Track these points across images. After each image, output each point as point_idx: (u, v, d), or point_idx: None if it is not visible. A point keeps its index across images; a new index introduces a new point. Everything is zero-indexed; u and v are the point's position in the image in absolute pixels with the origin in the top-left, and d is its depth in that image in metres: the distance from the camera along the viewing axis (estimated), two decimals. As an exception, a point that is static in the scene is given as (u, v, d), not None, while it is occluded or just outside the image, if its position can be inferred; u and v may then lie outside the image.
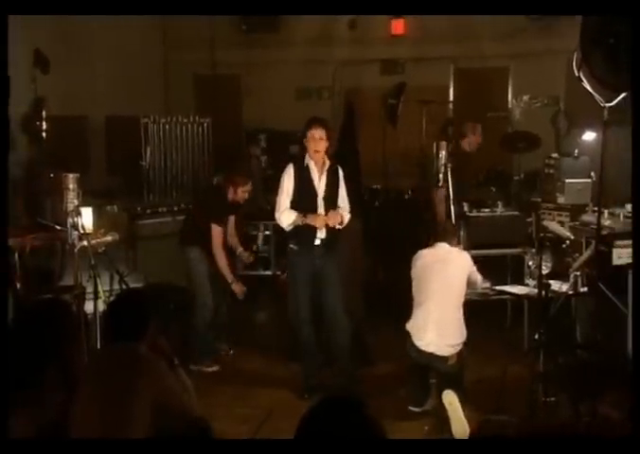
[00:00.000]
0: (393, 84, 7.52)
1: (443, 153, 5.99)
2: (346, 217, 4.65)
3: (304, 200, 4.57)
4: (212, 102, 9.18)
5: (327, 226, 4.55)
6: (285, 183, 4.61)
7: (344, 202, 4.65)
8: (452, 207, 5.36)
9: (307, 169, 4.59)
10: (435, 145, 6.76)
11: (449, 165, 5.40)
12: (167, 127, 7.41)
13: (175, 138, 7.50)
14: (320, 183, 4.58)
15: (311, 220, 4.53)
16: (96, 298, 4.69)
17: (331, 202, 4.59)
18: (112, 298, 4.06)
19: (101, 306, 4.64)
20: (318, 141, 4.48)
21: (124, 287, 4.96)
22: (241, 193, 5.27)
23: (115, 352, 2.96)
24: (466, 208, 5.71)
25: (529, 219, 5.66)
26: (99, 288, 4.68)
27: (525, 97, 8.16)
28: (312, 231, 4.57)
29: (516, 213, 5.69)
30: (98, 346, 4.38)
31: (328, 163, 4.59)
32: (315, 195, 4.57)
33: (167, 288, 5.52)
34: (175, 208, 6.80)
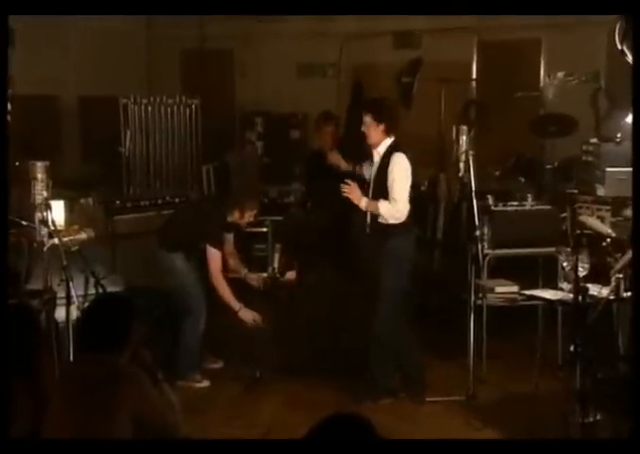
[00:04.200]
0: (407, 60, 7.50)
1: (464, 139, 5.97)
2: (386, 209, 4.68)
3: (363, 184, 4.85)
4: (201, 81, 9.18)
5: (372, 214, 4.76)
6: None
7: (393, 193, 4.68)
8: (474, 201, 5.34)
9: (371, 154, 4.89)
10: (454, 129, 6.76)
11: (471, 152, 5.38)
12: (149, 108, 7.42)
13: (159, 121, 7.51)
14: (372, 169, 4.84)
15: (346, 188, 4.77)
16: (68, 304, 4.69)
17: (379, 190, 4.75)
18: (87, 304, 4.05)
19: (75, 313, 4.63)
20: (364, 126, 4.76)
21: (101, 291, 4.96)
22: (248, 217, 5.27)
23: (91, 365, 2.95)
24: (490, 202, 5.69)
25: (564, 214, 5.64)
26: (72, 293, 4.68)
27: (560, 74, 8.12)
28: (364, 216, 4.83)
29: (548, 207, 5.67)
30: (71, 358, 4.37)
31: (383, 148, 4.77)
32: (369, 181, 4.86)
33: (149, 293, 5.51)
34: (159, 201, 6.80)
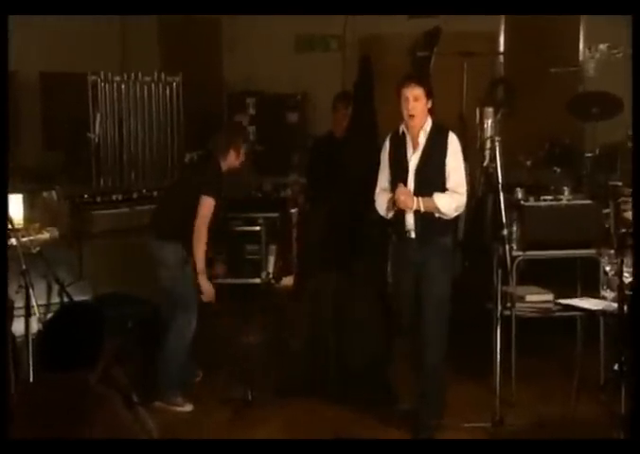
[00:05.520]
0: (423, 31, 7.49)
1: (489, 123, 5.98)
2: (446, 202, 4.66)
3: (396, 177, 4.77)
4: (183, 55, 9.17)
5: (416, 212, 4.68)
6: (382, 158, 4.89)
7: (452, 182, 4.69)
8: (501, 194, 5.35)
9: (402, 138, 4.79)
10: (478, 111, 6.76)
11: (497, 137, 5.38)
12: (122, 87, 7.41)
13: (134, 102, 7.50)
14: (414, 155, 4.74)
15: (396, 196, 4.67)
16: (28, 315, 4.69)
17: (427, 180, 4.70)
18: (50, 315, 4.05)
19: (35, 326, 4.63)
20: (412, 102, 4.67)
21: (66, 299, 4.95)
22: (242, 156, 5.45)
23: (55, 385, 2.95)
24: (520, 196, 5.70)
25: (606, 210, 5.64)
26: (33, 302, 4.67)
27: (602, 46, 8.12)
28: (402, 217, 4.74)
29: (588, 202, 5.67)
30: (31, 379, 4.37)
31: (428, 128, 4.75)
32: (406, 170, 4.73)
33: (123, 301, 5.53)
34: (134, 195, 6.82)
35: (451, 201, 4.67)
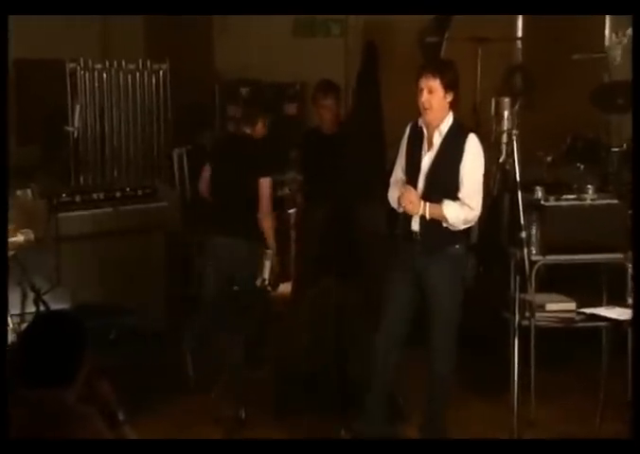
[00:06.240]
0: (433, 15, 7.50)
1: (506, 115, 5.98)
2: (455, 213, 4.58)
3: (408, 173, 4.76)
4: (170, 41, 9.18)
5: (422, 216, 4.63)
6: (400, 146, 4.88)
7: (464, 191, 4.61)
8: (519, 193, 5.36)
9: (419, 132, 4.75)
10: (494, 102, 6.77)
11: (514, 131, 5.38)
12: (104, 75, 7.41)
13: (117, 92, 7.50)
14: (427, 155, 4.70)
15: (401, 197, 4.66)
16: (1, 324, 4.69)
17: (438, 185, 4.64)
18: (25, 325, 4.05)
19: (10, 337, 4.63)
20: (426, 95, 4.61)
21: (42, 308, 4.96)
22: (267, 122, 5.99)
23: (31, 403, 2.95)
24: (540, 195, 5.70)
25: (634, 211, 5.64)
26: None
27: (630, 31, 8.12)
28: (408, 219, 4.72)
29: (614, 201, 5.67)
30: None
31: (446, 129, 4.67)
32: (418, 169, 4.69)
33: (105, 310, 5.53)
34: (117, 194, 6.79)
35: (460, 213, 4.61)
